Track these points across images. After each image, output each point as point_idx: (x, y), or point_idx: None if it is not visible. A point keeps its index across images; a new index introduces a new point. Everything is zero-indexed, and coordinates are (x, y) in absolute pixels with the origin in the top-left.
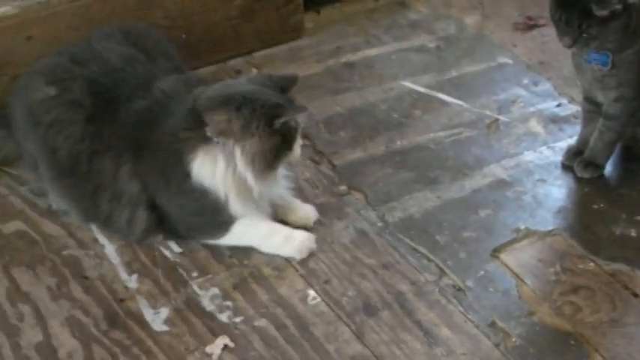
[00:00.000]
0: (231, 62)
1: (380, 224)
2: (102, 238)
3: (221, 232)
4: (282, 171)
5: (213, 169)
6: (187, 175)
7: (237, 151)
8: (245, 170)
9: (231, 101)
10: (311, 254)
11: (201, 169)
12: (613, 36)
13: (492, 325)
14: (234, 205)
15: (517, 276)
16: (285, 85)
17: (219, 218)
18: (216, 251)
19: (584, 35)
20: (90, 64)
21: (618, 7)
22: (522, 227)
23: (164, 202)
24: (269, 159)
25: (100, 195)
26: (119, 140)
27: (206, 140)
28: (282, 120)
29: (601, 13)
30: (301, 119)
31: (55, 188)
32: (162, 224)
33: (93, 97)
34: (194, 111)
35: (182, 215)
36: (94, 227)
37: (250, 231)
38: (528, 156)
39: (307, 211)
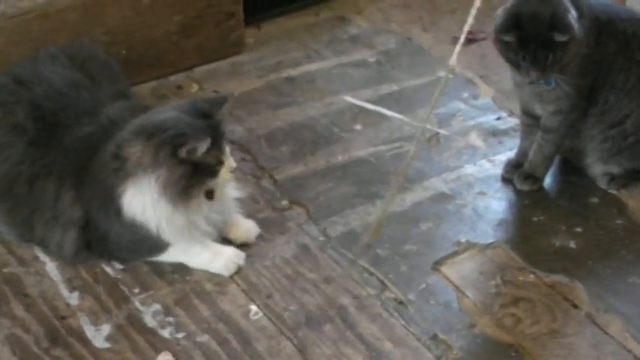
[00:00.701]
0: (173, 78)
1: (322, 238)
2: (42, 256)
3: (156, 253)
4: (230, 191)
5: (142, 202)
6: (119, 207)
7: (152, 182)
8: (159, 200)
9: (143, 132)
10: (254, 270)
11: (131, 203)
12: (570, 56)
13: (434, 337)
14: (167, 234)
15: (458, 288)
16: (210, 109)
17: (154, 244)
18: (157, 267)
19: (548, 65)
20: (34, 87)
21: (576, 28)
22: (463, 240)
23: (102, 228)
24: (180, 188)
25: (37, 218)
26: (62, 166)
27: (132, 173)
28: (185, 149)
29: (563, 38)
30: (226, 143)
31: None
32: (97, 246)
33: (36, 121)
34: (119, 145)
35: (119, 241)
36: (34, 244)
37: (181, 250)
38: (469, 169)
39: (248, 227)
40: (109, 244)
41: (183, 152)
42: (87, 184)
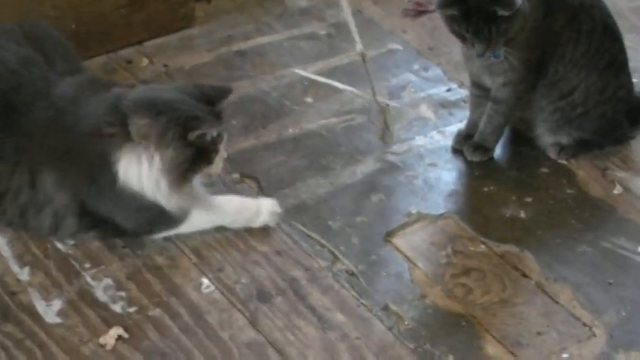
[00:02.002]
0: (122, 52)
1: None
2: None
3: (176, 221)
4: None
5: (138, 171)
6: (115, 175)
7: (157, 158)
8: (160, 179)
9: (153, 106)
10: (205, 243)
11: (128, 170)
12: (515, 29)
13: (385, 308)
14: (168, 203)
15: (409, 260)
16: (214, 97)
17: (162, 213)
18: (109, 242)
19: (493, 37)
20: None
21: (519, 2)
22: (414, 211)
23: (101, 208)
24: (182, 171)
25: (7, 203)
26: (33, 151)
27: (130, 140)
28: (196, 133)
29: (505, 13)
30: (226, 133)
31: None
32: (105, 231)
33: None
34: (117, 109)
35: (126, 214)
36: None
37: (216, 210)
38: (419, 141)
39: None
40: (115, 221)
41: (193, 135)
42: (69, 164)
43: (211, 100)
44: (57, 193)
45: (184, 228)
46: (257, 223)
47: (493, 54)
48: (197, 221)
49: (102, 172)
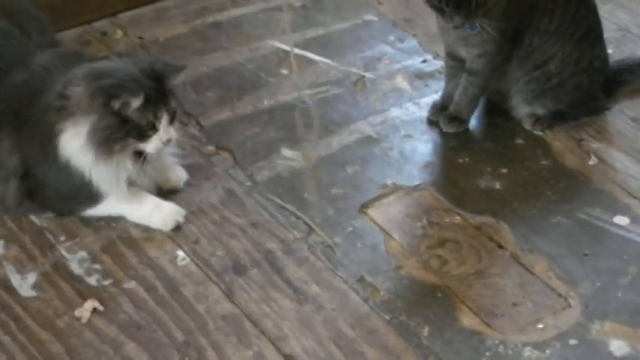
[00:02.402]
0: (97, 24)
1: (248, 183)
2: None
3: (92, 204)
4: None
5: (78, 144)
6: (56, 147)
7: (85, 124)
8: (87, 146)
9: (90, 75)
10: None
11: (68, 143)
12: (496, 2)
13: (361, 280)
14: (97, 183)
15: (385, 231)
16: (163, 73)
17: (90, 193)
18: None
19: (472, 9)
20: None
21: None
22: (389, 183)
23: (40, 175)
24: (103, 138)
25: None
26: None
27: (72, 113)
28: (118, 100)
29: None
30: (166, 114)
31: None
32: (37, 195)
33: None
34: (66, 84)
35: (58, 188)
36: None
37: (118, 202)
38: (394, 112)
39: (177, 173)
40: (47, 191)
41: (116, 103)
42: (25, 130)
43: (160, 76)
44: (9, 157)
45: (100, 209)
46: (152, 222)
47: (470, 26)
48: (110, 207)
49: (48, 140)
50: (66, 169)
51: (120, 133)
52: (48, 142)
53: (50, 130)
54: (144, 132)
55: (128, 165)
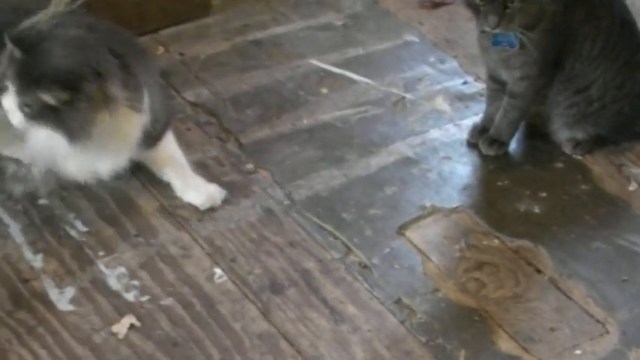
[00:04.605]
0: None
1: (287, 202)
2: (6, 218)
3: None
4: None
5: None
6: None
7: None
8: None
9: None
10: (218, 233)
11: None
12: (532, 8)
13: (398, 301)
14: None
15: (422, 253)
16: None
17: None
18: (122, 231)
19: (508, 11)
20: None
21: None
22: (428, 204)
23: None
24: None
25: None
26: None
27: None
28: None
29: None
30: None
31: None
32: None
33: None
34: None
35: None
36: None
37: None
38: (434, 134)
39: (212, 191)
40: None
41: None
42: None
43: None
44: None
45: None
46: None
47: (509, 42)
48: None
49: None
50: None
51: None
52: None
53: None
54: None
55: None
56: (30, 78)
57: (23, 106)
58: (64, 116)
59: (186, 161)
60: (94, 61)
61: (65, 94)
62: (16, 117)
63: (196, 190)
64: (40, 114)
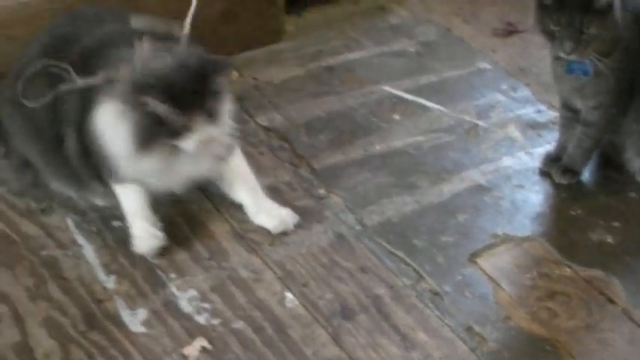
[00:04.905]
0: None
1: (358, 228)
2: (81, 239)
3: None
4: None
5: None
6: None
7: (123, 116)
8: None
9: (135, 65)
10: (290, 257)
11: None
12: (608, 34)
13: (469, 329)
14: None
15: (494, 281)
16: (204, 72)
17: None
18: (194, 253)
19: (584, 37)
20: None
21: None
22: (500, 232)
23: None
24: (137, 132)
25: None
26: None
27: (113, 96)
28: (144, 98)
29: (601, 4)
30: (199, 114)
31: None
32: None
33: None
34: (116, 64)
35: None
36: (72, 227)
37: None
38: (507, 161)
39: (285, 216)
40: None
41: (143, 102)
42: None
43: (200, 74)
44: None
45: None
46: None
47: (583, 70)
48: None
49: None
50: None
51: (152, 129)
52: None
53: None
54: (178, 131)
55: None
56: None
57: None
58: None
59: (257, 184)
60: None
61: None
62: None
63: (269, 214)
64: None
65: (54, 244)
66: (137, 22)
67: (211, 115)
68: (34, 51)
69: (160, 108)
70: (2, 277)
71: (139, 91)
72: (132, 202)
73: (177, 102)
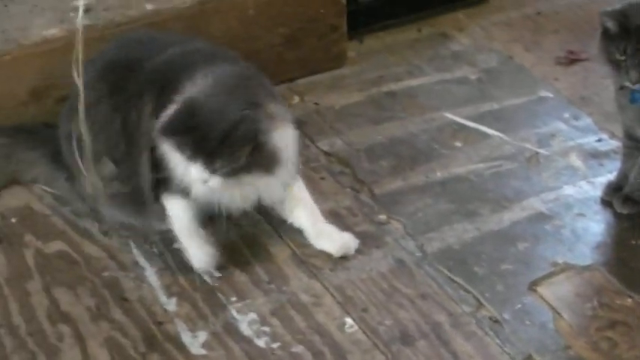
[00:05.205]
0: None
1: (418, 254)
2: (142, 261)
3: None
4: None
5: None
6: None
7: None
8: None
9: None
10: (350, 282)
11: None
12: None
13: (528, 358)
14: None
15: (554, 310)
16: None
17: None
18: (255, 277)
19: None
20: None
21: None
22: (560, 261)
23: None
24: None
25: None
26: None
27: None
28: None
29: None
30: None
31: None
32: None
33: None
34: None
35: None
36: (134, 249)
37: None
38: (568, 190)
39: (346, 240)
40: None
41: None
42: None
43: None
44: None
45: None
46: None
47: None
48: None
49: None
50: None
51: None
52: None
53: None
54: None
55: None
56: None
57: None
58: (255, 157)
59: (317, 208)
60: (251, 95)
61: (248, 147)
62: (214, 181)
63: (330, 238)
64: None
65: (116, 266)
66: (197, 45)
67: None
68: (93, 74)
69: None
70: (64, 297)
71: (163, 132)
72: (184, 221)
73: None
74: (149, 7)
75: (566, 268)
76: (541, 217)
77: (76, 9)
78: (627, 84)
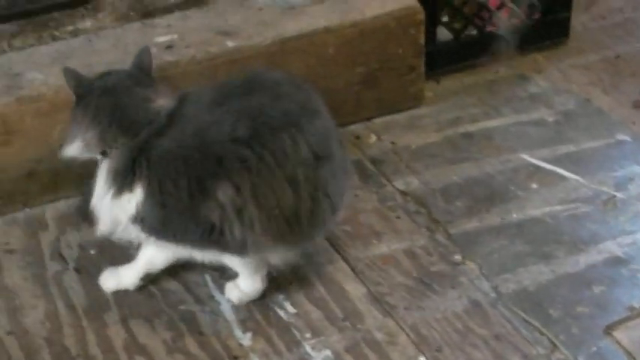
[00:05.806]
0: (351, 127)
1: (493, 295)
2: (218, 295)
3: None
4: None
5: None
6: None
7: None
8: None
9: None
10: (425, 322)
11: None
12: None
13: None
14: None
15: (630, 354)
16: None
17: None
18: (330, 314)
19: None
20: None
21: None
22: (637, 305)
23: None
24: None
25: None
26: None
27: None
28: None
29: None
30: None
31: None
32: None
33: None
34: None
35: None
36: (210, 283)
37: None
38: None
39: None
40: None
41: None
42: None
43: None
44: None
45: None
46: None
47: None
48: None
49: None
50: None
51: None
52: None
53: None
54: None
55: None
56: None
57: None
58: None
59: None
60: None
61: None
62: None
63: None
64: None
65: (192, 299)
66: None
67: None
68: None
69: None
70: (141, 330)
71: None
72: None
73: None
74: (230, 44)
75: None
76: (617, 261)
77: (159, 45)
78: None
